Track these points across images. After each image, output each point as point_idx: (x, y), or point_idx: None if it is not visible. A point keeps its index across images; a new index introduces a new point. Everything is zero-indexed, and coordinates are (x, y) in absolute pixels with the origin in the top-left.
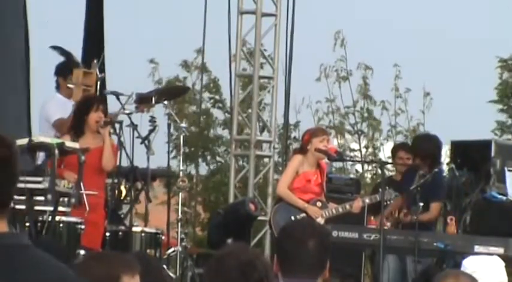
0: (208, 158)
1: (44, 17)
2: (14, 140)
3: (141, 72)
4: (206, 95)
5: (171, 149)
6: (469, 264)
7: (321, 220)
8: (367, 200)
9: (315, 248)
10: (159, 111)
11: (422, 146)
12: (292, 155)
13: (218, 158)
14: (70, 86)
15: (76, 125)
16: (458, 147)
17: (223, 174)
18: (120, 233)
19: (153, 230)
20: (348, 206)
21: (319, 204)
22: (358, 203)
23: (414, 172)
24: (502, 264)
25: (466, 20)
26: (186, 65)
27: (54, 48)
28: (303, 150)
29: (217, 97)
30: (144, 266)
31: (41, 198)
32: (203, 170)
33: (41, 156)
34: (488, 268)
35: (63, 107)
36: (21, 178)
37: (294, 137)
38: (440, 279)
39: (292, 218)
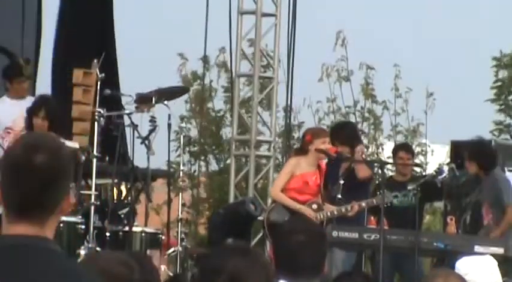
0: (220, 156)
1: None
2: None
3: (148, 72)
4: (226, 94)
5: (175, 148)
6: (462, 266)
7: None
8: (363, 204)
9: (314, 249)
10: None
11: (344, 133)
12: (291, 156)
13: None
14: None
15: None
16: (458, 147)
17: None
18: (120, 233)
19: (153, 230)
20: (343, 210)
21: (314, 206)
22: (354, 207)
23: (338, 163)
24: (495, 263)
25: (462, 20)
26: (206, 61)
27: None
28: (303, 150)
29: None
30: (139, 266)
31: None
32: (213, 168)
33: None
34: (481, 269)
35: (9, 111)
36: None
37: (298, 138)
38: (430, 278)
39: (286, 219)
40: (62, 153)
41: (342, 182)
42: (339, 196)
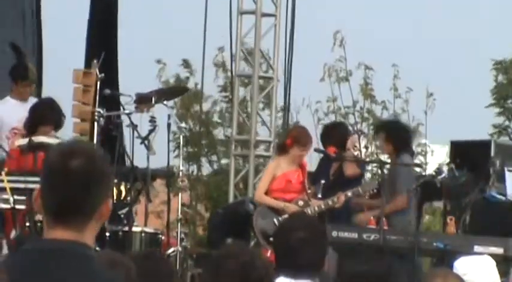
0: (213, 157)
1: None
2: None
3: (148, 73)
4: (223, 93)
5: (173, 148)
6: (460, 266)
7: None
8: (349, 193)
9: (315, 246)
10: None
11: (336, 134)
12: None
13: (224, 159)
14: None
15: None
16: (458, 148)
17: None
18: (120, 233)
19: (152, 230)
20: (330, 202)
21: (300, 203)
22: (341, 197)
23: (329, 162)
24: (493, 263)
25: (462, 20)
26: (187, 65)
27: (13, 46)
28: (283, 150)
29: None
30: (154, 266)
31: None
32: (206, 170)
33: None
34: (479, 269)
35: (13, 111)
36: (22, 178)
37: None
38: (429, 278)
39: (275, 220)
40: (99, 159)
41: (323, 181)
42: (319, 195)
